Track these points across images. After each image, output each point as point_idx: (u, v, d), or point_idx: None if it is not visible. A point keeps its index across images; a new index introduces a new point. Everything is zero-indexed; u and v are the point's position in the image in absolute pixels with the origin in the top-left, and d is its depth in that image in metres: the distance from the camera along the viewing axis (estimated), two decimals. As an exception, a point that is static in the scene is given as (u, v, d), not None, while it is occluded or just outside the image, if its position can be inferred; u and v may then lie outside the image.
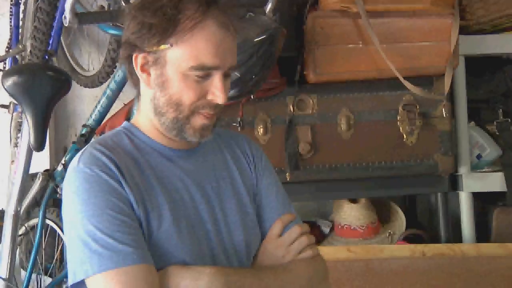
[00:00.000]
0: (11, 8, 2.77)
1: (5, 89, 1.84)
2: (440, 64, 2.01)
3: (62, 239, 2.24)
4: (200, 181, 1.23)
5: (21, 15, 2.67)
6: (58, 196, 2.24)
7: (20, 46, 2.60)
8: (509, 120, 2.22)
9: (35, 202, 2.30)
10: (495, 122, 2.23)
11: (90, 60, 2.65)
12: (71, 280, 1.09)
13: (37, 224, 2.20)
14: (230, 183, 1.27)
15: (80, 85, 2.56)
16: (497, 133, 2.23)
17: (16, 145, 2.64)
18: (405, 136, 2.07)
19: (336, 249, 2.05)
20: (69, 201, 1.12)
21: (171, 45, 1.12)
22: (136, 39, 1.15)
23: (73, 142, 2.19)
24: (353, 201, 2.25)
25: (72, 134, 2.73)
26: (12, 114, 2.71)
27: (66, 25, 1.63)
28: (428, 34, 1.99)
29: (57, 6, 2.19)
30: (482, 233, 2.16)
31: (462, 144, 2.15)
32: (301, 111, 2.07)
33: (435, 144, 2.07)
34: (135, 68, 1.18)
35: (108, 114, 2.18)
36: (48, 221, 2.27)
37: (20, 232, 2.33)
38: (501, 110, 2.23)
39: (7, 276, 2.06)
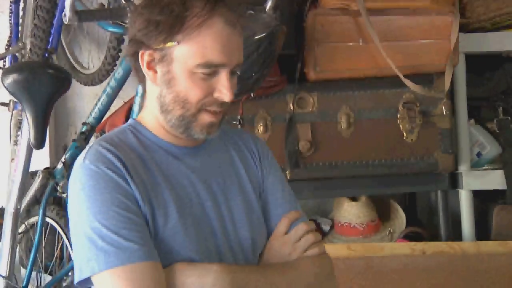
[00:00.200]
0: (11, 5, 2.76)
1: (5, 87, 1.84)
2: (440, 62, 2.01)
3: (62, 237, 2.24)
4: (206, 178, 1.22)
5: (21, 13, 2.66)
6: (58, 194, 2.24)
7: (20, 44, 2.59)
8: (509, 118, 2.22)
9: (35, 200, 2.30)
10: (495, 120, 2.23)
11: (90, 58, 2.65)
12: (77, 277, 1.09)
13: (37, 222, 2.20)
14: (236, 180, 1.27)
15: (80, 83, 2.56)
16: (497, 131, 2.22)
17: (16, 143, 2.64)
18: (405, 134, 2.07)
19: (336, 247, 2.05)
20: (75, 198, 1.12)
21: (178, 43, 1.12)
22: (143, 36, 1.15)
23: (73, 140, 2.19)
24: (353, 199, 2.25)
25: (72, 132, 2.73)
26: (12, 112, 2.71)
27: (66, 22, 1.63)
28: (428, 32, 1.99)
29: (57, 4, 2.19)
30: (482, 231, 2.16)
31: (462, 142, 2.15)
32: (301, 109, 2.07)
33: (435, 142, 2.07)
34: (141, 65, 1.18)
35: (108, 112, 2.18)
36: (48, 219, 2.27)
37: (20, 230, 2.33)
38: (501, 108, 2.23)
39: (7, 274, 2.07)
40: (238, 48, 1.17)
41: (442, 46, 1.99)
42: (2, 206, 2.45)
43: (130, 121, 1.27)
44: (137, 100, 1.91)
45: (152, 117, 1.23)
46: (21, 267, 2.49)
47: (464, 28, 2.11)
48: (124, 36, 2.12)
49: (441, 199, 2.19)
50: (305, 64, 2.02)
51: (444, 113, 2.06)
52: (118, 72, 2.03)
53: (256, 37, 1.71)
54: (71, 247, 2.16)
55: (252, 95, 2.01)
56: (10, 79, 1.83)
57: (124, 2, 1.67)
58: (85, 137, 2.18)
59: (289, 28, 1.90)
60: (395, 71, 1.93)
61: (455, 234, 2.17)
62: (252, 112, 2.06)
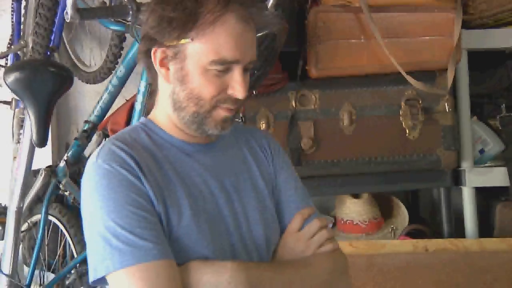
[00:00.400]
0: (12, 4, 2.77)
1: (7, 85, 1.84)
2: (442, 59, 2.00)
3: (64, 235, 2.25)
4: (218, 176, 1.22)
5: (22, 11, 2.67)
6: (60, 192, 2.25)
7: (22, 42, 2.60)
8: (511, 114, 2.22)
9: (38, 198, 2.31)
10: (497, 117, 2.23)
11: (92, 56, 2.65)
12: (92, 277, 1.09)
13: (39, 220, 2.20)
14: (249, 178, 1.27)
15: (82, 81, 2.56)
16: (500, 128, 2.22)
17: (18, 141, 2.65)
18: (407, 131, 2.06)
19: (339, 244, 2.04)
20: (88, 198, 1.12)
21: (192, 39, 1.12)
22: (156, 33, 1.14)
23: (75, 138, 2.19)
24: (356, 196, 2.25)
25: (74, 130, 2.73)
26: (14, 110, 2.72)
27: (68, 20, 1.62)
28: (430, 28, 1.99)
29: (59, 2, 2.19)
30: (485, 228, 2.16)
31: (464, 139, 2.14)
32: (303, 106, 2.07)
33: (438, 139, 2.07)
34: (153, 63, 1.18)
35: (110, 110, 2.19)
36: (50, 217, 2.28)
37: (23, 228, 2.34)
38: (504, 104, 2.22)
39: (10, 272, 2.07)
40: (252, 44, 1.16)
41: (445, 43, 1.99)
42: (5, 205, 2.46)
43: (142, 119, 1.27)
44: (139, 98, 1.91)
45: (164, 115, 1.23)
46: (24, 265, 2.49)
47: (467, 25, 2.10)
48: (126, 34, 2.12)
49: (444, 196, 2.18)
50: (307, 61, 2.02)
51: (447, 110, 2.06)
52: (120, 70, 2.03)
53: (258, 35, 1.71)
54: (73, 245, 2.16)
55: (254, 92, 2.00)
56: (12, 77, 1.83)
57: (126, 0, 1.67)
58: (87, 135, 2.18)
59: (291, 25, 1.90)
60: (397, 68, 1.92)
61: (458, 231, 2.17)
62: (254, 110, 2.06)
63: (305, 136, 2.05)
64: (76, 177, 2.28)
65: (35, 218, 2.34)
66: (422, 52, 2.00)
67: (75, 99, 2.75)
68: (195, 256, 1.12)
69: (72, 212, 2.26)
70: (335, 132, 2.07)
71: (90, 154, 2.29)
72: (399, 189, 2.34)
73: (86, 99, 2.70)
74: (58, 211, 2.28)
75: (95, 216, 1.10)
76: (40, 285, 2.35)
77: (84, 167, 2.28)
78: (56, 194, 2.30)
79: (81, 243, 2.16)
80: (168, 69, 1.17)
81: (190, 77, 1.14)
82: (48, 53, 2.33)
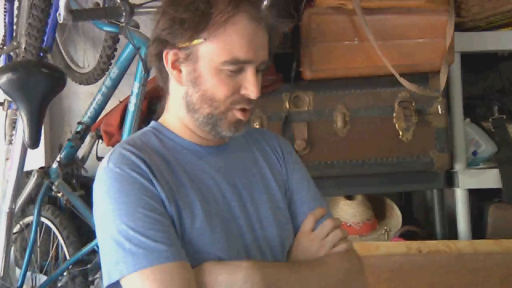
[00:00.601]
0: (5, 4, 2.76)
1: (-1, 86, 1.84)
2: (435, 61, 2.00)
3: (57, 236, 2.24)
4: (230, 178, 1.22)
5: (15, 12, 2.66)
6: (53, 193, 2.24)
7: (14, 43, 2.59)
8: (504, 116, 2.22)
9: (30, 200, 2.30)
10: (490, 119, 2.23)
11: (85, 57, 2.64)
12: (106, 282, 1.08)
13: (32, 222, 2.20)
14: (261, 179, 1.27)
15: (75, 82, 2.55)
16: (493, 130, 2.22)
17: (10, 143, 2.64)
18: (401, 133, 2.07)
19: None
20: (100, 202, 1.12)
21: (204, 40, 1.12)
22: (168, 35, 1.14)
23: (68, 140, 2.19)
24: (349, 198, 2.25)
25: (68, 131, 2.72)
26: (7, 111, 2.70)
27: (61, 22, 1.63)
28: (423, 30, 1.99)
29: (52, 3, 2.18)
30: (478, 230, 2.17)
31: (457, 141, 2.15)
32: (297, 107, 2.07)
33: (431, 140, 2.07)
34: (165, 65, 1.18)
35: (103, 111, 2.18)
36: (43, 219, 2.27)
37: (15, 230, 2.33)
38: (496, 106, 2.23)
39: (2, 274, 2.06)
40: (264, 44, 1.17)
41: (438, 45, 1.99)
42: (-3, 206, 2.44)
43: (152, 123, 1.27)
44: (133, 99, 1.91)
45: (176, 118, 1.23)
46: (16, 267, 2.48)
47: (460, 27, 2.11)
48: (119, 35, 2.12)
49: (437, 198, 2.19)
50: (301, 63, 2.02)
51: (440, 112, 2.06)
52: (114, 71, 2.03)
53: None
54: (66, 247, 2.16)
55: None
56: (4, 78, 1.83)
57: (119, 1, 1.67)
58: (80, 136, 2.18)
59: (285, 27, 1.89)
60: (390, 70, 1.93)
61: (451, 232, 2.18)
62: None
63: (299, 138, 2.05)
64: (69, 178, 2.27)
65: (28, 219, 2.34)
66: (416, 54, 2.01)
67: (68, 100, 2.74)
68: (209, 258, 1.12)
69: (65, 214, 2.26)
70: (329, 133, 2.07)
71: (83, 156, 2.31)
72: (392, 190, 2.35)
73: (80, 100, 2.69)
74: (51, 212, 2.27)
75: (107, 220, 1.09)
76: (32, 287, 2.34)
77: (77, 168, 2.30)
78: (48, 196, 2.29)
79: (73, 245, 2.15)
80: (180, 71, 1.17)
81: (203, 79, 1.15)
82: (41, 54, 2.32)
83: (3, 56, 2.73)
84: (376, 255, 2.02)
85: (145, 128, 1.26)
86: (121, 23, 1.74)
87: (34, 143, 1.89)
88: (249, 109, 1.18)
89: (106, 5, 1.95)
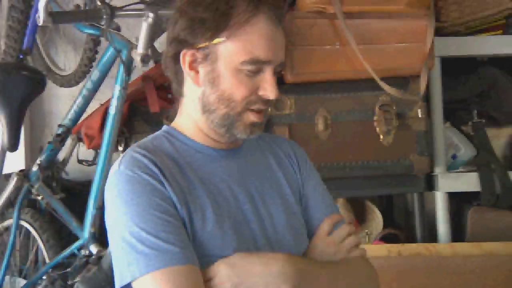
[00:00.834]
0: (-15, 6, 2.73)
1: (-22, 88, 1.82)
2: (415, 65, 2.02)
3: (36, 240, 2.22)
4: (243, 181, 1.22)
5: (-5, 14, 2.64)
6: (33, 196, 2.22)
7: (-7, 45, 2.56)
8: (483, 120, 2.25)
9: (9, 203, 2.28)
10: (470, 123, 2.25)
11: (67, 59, 2.63)
12: (118, 283, 1.08)
13: (11, 225, 2.18)
14: (274, 184, 1.26)
15: (57, 85, 2.54)
16: (472, 134, 2.24)
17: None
18: (381, 136, 2.08)
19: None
20: (112, 204, 1.12)
21: (226, 38, 1.12)
22: (187, 35, 1.14)
23: (49, 142, 2.18)
24: (330, 201, 2.25)
25: (48, 133, 2.70)
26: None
27: (40, 24, 1.62)
28: (404, 35, 2.00)
29: (32, 5, 2.17)
30: (457, 233, 2.18)
31: (437, 145, 2.16)
32: (278, 111, 2.07)
33: (411, 144, 2.08)
34: (182, 66, 1.18)
35: (84, 113, 2.17)
36: (22, 222, 2.25)
37: (-6, 233, 2.31)
38: (475, 111, 2.25)
39: (-19, 278, 2.04)
40: (282, 46, 1.18)
41: (418, 50, 2.00)
42: (-24, 209, 2.42)
43: (164, 127, 1.26)
44: (114, 102, 1.90)
45: (189, 120, 1.22)
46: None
47: (440, 32, 2.13)
48: (100, 38, 2.11)
49: (417, 201, 2.21)
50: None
51: (420, 116, 2.08)
52: (95, 74, 2.03)
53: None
54: (45, 250, 2.14)
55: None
56: (-17, 80, 1.81)
57: (100, 3, 1.66)
58: (61, 139, 2.17)
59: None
60: (371, 74, 1.94)
61: (431, 235, 2.19)
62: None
63: (280, 141, 2.05)
64: (49, 181, 2.25)
65: (7, 223, 2.31)
66: (396, 59, 2.02)
67: (49, 103, 2.72)
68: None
69: (45, 217, 2.24)
70: (310, 137, 2.07)
71: (63, 158, 2.29)
72: (373, 193, 2.35)
73: (61, 102, 2.68)
74: (30, 216, 2.25)
75: (119, 222, 1.09)
76: (12, 291, 2.32)
77: (57, 171, 2.28)
78: (28, 199, 2.27)
79: (53, 248, 2.14)
80: (197, 72, 1.17)
81: (221, 79, 1.14)
82: (21, 56, 2.30)
83: (-18, 58, 2.70)
84: (356, 258, 2.03)
85: (157, 132, 1.26)
86: (102, 25, 1.73)
87: (13, 146, 1.88)
88: (265, 110, 1.19)
89: (87, 8, 1.95)
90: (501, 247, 2.05)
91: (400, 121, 2.07)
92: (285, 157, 1.33)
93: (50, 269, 2.09)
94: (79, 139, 2.23)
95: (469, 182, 2.15)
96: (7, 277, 2.22)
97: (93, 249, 1.95)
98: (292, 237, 1.22)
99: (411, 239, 2.21)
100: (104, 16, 1.63)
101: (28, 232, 2.27)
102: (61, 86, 2.50)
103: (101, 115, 2.04)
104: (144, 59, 1.73)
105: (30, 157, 2.66)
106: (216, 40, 1.13)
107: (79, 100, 2.11)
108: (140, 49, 1.73)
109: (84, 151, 2.23)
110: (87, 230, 1.96)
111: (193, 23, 1.14)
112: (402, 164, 2.09)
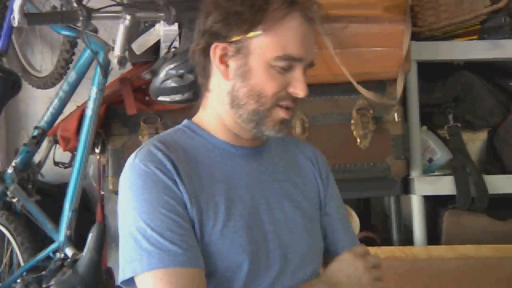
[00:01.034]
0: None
1: (-49, 89, 1.80)
2: (392, 69, 2.03)
3: (11, 243, 2.20)
4: (260, 181, 1.21)
5: (-30, 14, 2.60)
6: (7, 199, 2.20)
7: (-32, 46, 2.53)
8: (459, 124, 2.26)
9: (-16, 205, 2.25)
10: (445, 127, 2.27)
11: (43, 61, 2.60)
12: (120, 277, 1.09)
13: (-15, 228, 2.15)
14: (293, 187, 1.26)
15: (33, 86, 2.51)
16: (448, 138, 2.26)
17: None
18: (358, 140, 2.09)
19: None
20: (123, 197, 1.13)
21: (263, 32, 1.12)
22: (221, 27, 1.14)
23: (24, 144, 2.16)
24: (308, 204, 2.25)
25: (25, 135, 2.67)
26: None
27: (15, 25, 1.60)
28: (381, 39, 2.02)
29: (7, 6, 2.15)
30: (433, 236, 2.20)
31: (414, 148, 2.17)
32: (256, 114, 2.07)
33: (388, 148, 2.09)
34: (212, 59, 1.17)
35: (61, 115, 2.15)
36: (-3, 224, 2.23)
37: (-32, 235, 2.28)
38: (451, 115, 2.27)
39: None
40: (313, 45, 1.18)
41: (395, 54, 2.02)
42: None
43: (185, 121, 1.26)
44: (90, 104, 1.89)
45: (213, 115, 1.21)
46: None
47: (416, 37, 2.15)
48: (77, 40, 2.10)
49: (394, 204, 2.22)
50: (260, 70, 2.02)
51: (397, 120, 2.09)
52: (71, 75, 2.02)
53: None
54: (20, 253, 2.12)
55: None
56: (-43, 81, 1.79)
57: (76, 5, 1.65)
58: (37, 141, 2.15)
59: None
60: (348, 77, 1.95)
61: (407, 238, 2.21)
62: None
63: (258, 144, 2.05)
64: (25, 183, 2.23)
65: (-19, 225, 2.29)
66: (373, 63, 2.03)
67: (25, 104, 2.70)
68: (228, 261, 1.11)
69: (20, 220, 2.22)
70: (288, 140, 2.07)
71: (39, 161, 2.27)
72: (350, 197, 2.35)
73: (37, 104, 2.65)
74: (5, 218, 2.23)
75: (127, 216, 1.10)
76: (-14, 294, 2.30)
77: (33, 173, 2.26)
78: (3, 201, 2.25)
79: (28, 251, 2.12)
80: (227, 66, 1.16)
81: (253, 73, 1.14)
82: (-4, 57, 2.28)
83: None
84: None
85: (178, 126, 1.25)
86: (79, 27, 1.72)
87: (-13, 148, 1.85)
88: (293, 108, 1.18)
89: (63, 9, 1.93)
90: (476, 250, 2.07)
91: (377, 124, 2.09)
92: (306, 161, 1.33)
93: (25, 272, 2.07)
94: (55, 141, 2.21)
95: (444, 185, 2.16)
96: (-19, 281, 2.20)
97: (69, 252, 1.93)
98: (307, 241, 1.22)
99: (388, 242, 2.22)
100: (81, 18, 1.61)
101: (2, 235, 2.25)
102: (38, 87, 2.48)
103: (78, 117, 2.02)
104: (121, 61, 1.72)
105: (6, 159, 2.63)
106: (251, 34, 1.12)
107: (56, 102, 2.09)
108: (117, 51, 1.72)
109: (60, 153, 2.21)
110: (63, 233, 1.95)
111: (228, 16, 1.13)
112: (378, 167, 2.10)
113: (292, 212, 1.22)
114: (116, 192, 2.06)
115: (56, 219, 2.01)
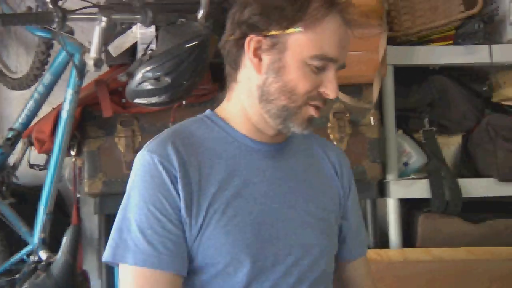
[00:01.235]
0: None
1: None
2: (368, 73, 2.04)
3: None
4: (277, 179, 1.20)
5: None
6: (-19, 200, 2.17)
7: None
8: (434, 129, 2.29)
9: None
10: (421, 131, 2.29)
11: (18, 62, 2.58)
12: (104, 258, 1.12)
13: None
14: (310, 187, 1.25)
15: (8, 87, 2.48)
16: (423, 141, 2.28)
17: None
18: (335, 143, 2.10)
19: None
20: (129, 180, 1.15)
21: (303, 29, 1.12)
22: (260, 20, 1.13)
23: (-1, 146, 2.13)
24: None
25: (-1, 137, 2.64)
26: None
27: (-12, 26, 1.58)
28: (357, 44, 1.99)
29: (-18, 6, 2.12)
30: (408, 239, 2.22)
31: (390, 152, 2.20)
32: (233, 117, 2.07)
33: (364, 151, 2.11)
34: (246, 51, 1.16)
35: (36, 117, 2.13)
36: (-30, 227, 2.19)
37: None
38: (427, 119, 2.29)
39: None
40: (347, 48, 1.20)
41: (371, 58, 2.03)
42: None
43: (207, 112, 1.26)
44: (66, 106, 1.87)
45: (237, 107, 1.21)
46: None
47: (393, 41, 2.17)
48: (52, 41, 2.08)
49: (370, 207, 2.23)
50: (237, 73, 2.02)
51: (373, 123, 2.10)
52: (47, 77, 2.00)
53: (187, 45, 1.70)
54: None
55: (184, 103, 2.00)
56: None
57: (51, 6, 1.63)
58: (12, 143, 2.13)
59: (220, 37, 1.90)
60: (325, 81, 1.95)
61: (382, 241, 2.22)
62: (183, 119, 2.04)
63: (235, 147, 2.05)
64: (-1, 186, 2.21)
65: (-46, 228, 2.25)
66: (349, 67, 1.98)
67: (0, 106, 2.66)
68: (230, 257, 1.11)
69: (-7, 222, 2.19)
70: (265, 143, 2.08)
71: (14, 163, 2.24)
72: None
73: (12, 106, 2.61)
74: (-21, 219, 2.20)
75: (124, 203, 1.14)
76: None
77: (7, 175, 2.23)
78: (-23, 203, 2.21)
79: (1, 254, 2.10)
80: (260, 59, 1.16)
81: (287, 70, 1.14)
82: (-29, 58, 2.25)
83: None
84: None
85: (199, 116, 1.25)
86: (54, 28, 1.70)
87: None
88: (322, 107, 1.19)
89: (39, 10, 1.91)
90: (450, 252, 2.09)
91: (353, 128, 2.10)
92: (328, 161, 1.33)
93: (-1, 275, 2.05)
94: (30, 143, 2.18)
95: (420, 189, 2.19)
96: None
97: (43, 255, 1.91)
98: (319, 244, 1.22)
99: (364, 244, 2.23)
100: (56, 19, 1.60)
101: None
102: (13, 89, 2.44)
103: (53, 119, 2.00)
104: (97, 63, 1.70)
105: (-20, 161, 2.59)
106: (291, 30, 1.12)
107: (31, 103, 2.07)
108: (93, 53, 1.70)
109: (35, 156, 2.19)
110: (37, 236, 1.93)
111: (269, 10, 1.13)
112: (355, 170, 2.05)
113: (305, 212, 1.22)
114: (91, 195, 2.05)
115: (30, 222, 1.99)
